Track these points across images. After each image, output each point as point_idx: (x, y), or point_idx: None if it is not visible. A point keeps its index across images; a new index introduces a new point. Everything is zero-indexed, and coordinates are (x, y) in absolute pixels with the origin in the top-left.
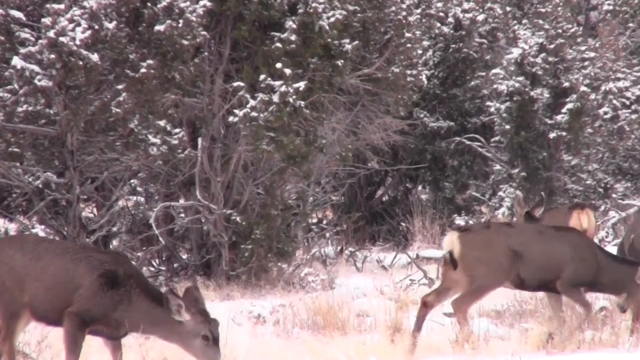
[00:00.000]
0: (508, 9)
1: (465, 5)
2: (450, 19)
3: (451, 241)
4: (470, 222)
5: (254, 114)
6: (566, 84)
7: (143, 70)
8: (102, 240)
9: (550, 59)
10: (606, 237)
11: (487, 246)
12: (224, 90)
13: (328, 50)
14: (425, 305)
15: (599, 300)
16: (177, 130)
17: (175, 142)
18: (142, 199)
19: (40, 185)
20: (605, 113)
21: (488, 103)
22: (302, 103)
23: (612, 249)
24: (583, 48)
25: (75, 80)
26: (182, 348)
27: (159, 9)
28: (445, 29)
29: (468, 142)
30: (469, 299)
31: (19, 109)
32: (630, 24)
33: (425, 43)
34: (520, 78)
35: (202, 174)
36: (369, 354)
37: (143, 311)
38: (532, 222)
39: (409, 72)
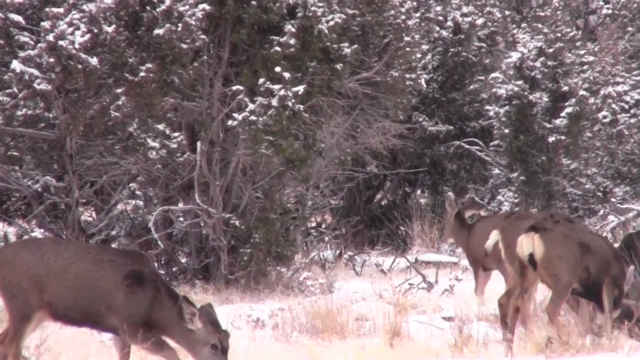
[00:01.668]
0: (507, 12)
1: (465, 9)
2: (450, 23)
3: (531, 243)
4: None
5: (253, 117)
6: (565, 88)
7: (142, 74)
8: (101, 244)
9: (549, 62)
10: None
11: (565, 242)
12: (223, 94)
13: (327, 54)
14: (517, 310)
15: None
16: (176, 134)
17: (174, 145)
18: (141, 203)
19: (40, 189)
20: (604, 117)
21: (487, 107)
22: (301, 107)
23: None
24: (582, 52)
25: (74, 84)
26: (189, 353)
27: (158, 13)
28: (444, 33)
29: (467, 146)
30: (560, 300)
31: (18, 113)
32: (630, 28)
33: (424, 47)
34: (519, 82)
35: (201, 178)
36: (367, 357)
37: (165, 310)
38: (462, 222)
39: (408, 76)
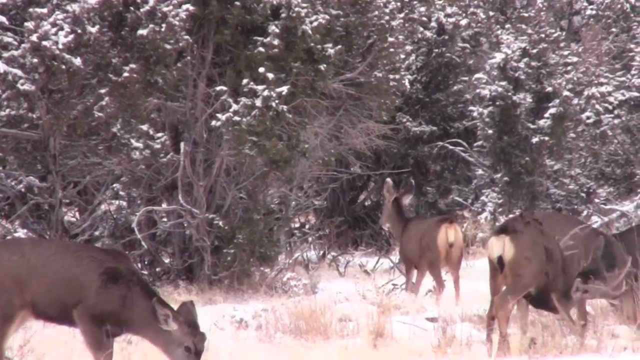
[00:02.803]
0: (491, 13)
1: (449, 10)
2: (434, 24)
3: (501, 245)
4: None
5: (236, 118)
6: (549, 89)
7: (126, 74)
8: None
9: (533, 63)
10: None
11: (534, 245)
12: (207, 94)
13: (311, 55)
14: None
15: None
16: (159, 134)
17: (158, 146)
18: (125, 203)
19: (23, 189)
20: (588, 118)
21: (471, 108)
22: (285, 107)
23: None
24: (566, 53)
25: (58, 85)
26: (163, 353)
27: (142, 13)
28: (428, 34)
29: (451, 147)
30: (512, 297)
31: (2, 113)
32: (613, 29)
33: (408, 47)
34: (503, 83)
35: (185, 178)
36: (351, 358)
37: (141, 310)
38: (399, 211)
39: (391, 76)
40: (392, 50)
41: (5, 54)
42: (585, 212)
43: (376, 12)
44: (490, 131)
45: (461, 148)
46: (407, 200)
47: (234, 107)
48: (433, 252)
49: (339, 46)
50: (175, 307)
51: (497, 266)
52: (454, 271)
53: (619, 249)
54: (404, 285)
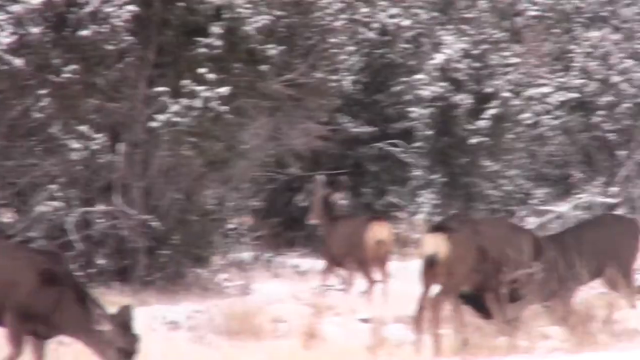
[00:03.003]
0: (433, 14)
1: (391, 11)
2: (376, 25)
3: (436, 242)
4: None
5: (175, 119)
6: (489, 90)
7: (66, 75)
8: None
9: (474, 64)
10: None
11: (468, 244)
12: (147, 95)
13: (252, 56)
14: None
15: None
16: (98, 135)
17: (97, 147)
18: (61, 204)
19: None
20: (527, 119)
21: (410, 108)
22: (225, 108)
23: None
24: (507, 54)
25: None
26: (96, 355)
27: (84, 14)
28: (371, 35)
29: (389, 148)
30: (445, 297)
31: None
32: (555, 30)
33: (350, 48)
34: (444, 84)
35: (122, 180)
36: (283, 359)
37: (74, 312)
38: (329, 206)
39: (332, 77)
40: (333, 51)
41: None
42: (521, 214)
43: (319, 13)
44: (429, 132)
45: (399, 149)
46: (337, 198)
47: (174, 108)
48: (362, 250)
49: (281, 47)
50: (110, 308)
51: (430, 264)
52: (382, 271)
53: (549, 250)
54: (339, 286)
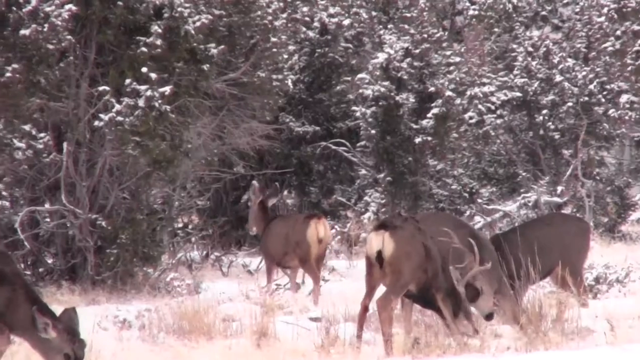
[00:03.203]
0: (374, 13)
1: (331, 10)
2: (316, 24)
3: (380, 240)
4: (336, 226)
5: (119, 118)
6: (432, 89)
7: (8, 74)
8: None
9: (415, 63)
10: None
11: (413, 240)
12: (90, 94)
13: (194, 55)
14: (366, 310)
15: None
16: (42, 134)
17: (41, 146)
18: (7, 204)
19: None
20: (471, 118)
21: (354, 108)
22: (168, 107)
23: None
24: (448, 53)
25: None
26: (42, 357)
27: (24, 13)
28: (311, 34)
29: (334, 147)
30: (393, 297)
31: None
32: (496, 29)
33: (291, 48)
34: (386, 83)
35: (68, 179)
36: (234, 358)
37: (21, 314)
38: (264, 212)
39: (274, 76)
40: (275, 50)
41: None
42: (468, 212)
43: (259, 12)
44: (373, 131)
45: (344, 148)
46: (272, 202)
47: (117, 107)
48: (303, 248)
49: (222, 46)
50: (58, 309)
51: (376, 262)
52: (317, 268)
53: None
54: (288, 285)
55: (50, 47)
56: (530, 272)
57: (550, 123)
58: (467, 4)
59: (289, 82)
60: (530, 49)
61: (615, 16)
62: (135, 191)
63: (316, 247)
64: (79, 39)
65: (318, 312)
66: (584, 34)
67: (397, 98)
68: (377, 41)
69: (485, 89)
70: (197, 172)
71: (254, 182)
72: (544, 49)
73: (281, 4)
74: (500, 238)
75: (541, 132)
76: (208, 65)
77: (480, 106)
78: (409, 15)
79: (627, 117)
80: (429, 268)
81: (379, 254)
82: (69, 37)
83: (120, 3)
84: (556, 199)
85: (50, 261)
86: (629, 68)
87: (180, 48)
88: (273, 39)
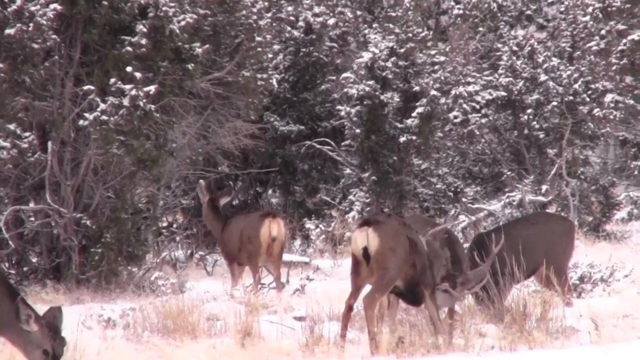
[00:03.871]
0: (359, 13)
1: (316, 9)
2: (301, 23)
3: (365, 237)
4: (321, 226)
5: (104, 117)
6: (416, 88)
7: None
8: None
9: (400, 63)
10: None
11: (398, 236)
12: (75, 93)
13: (178, 54)
14: (351, 309)
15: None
16: (27, 133)
17: (25, 145)
18: None
19: None
20: (455, 117)
21: (338, 107)
22: (153, 107)
23: None
24: (433, 52)
25: None
26: (22, 354)
27: (9, 13)
28: (296, 33)
29: (318, 146)
30: (379, 294)
31: None
32: (480, 28)
33: (276, 47)
34: (371, 82)
35: (52, 178)
36: (219, 357)
37: (3, 310)
38: (215, 211)
39: (259, 76)
40: (259, 49)
41: None
42: (452, 212)
43: (244, 12)
44: (357, 130)
45: (329, 147)
46: (224, 202)
47: (102, 106)
48: (254, 245)
49: (207, 45)
50: (42, 308)
51: (362, 259)
52: (275, 267)
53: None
54: (231, 285)
55: (35, 46)
56: (515, 271)
57: (535, 122)
58: (452, 3)
59: (274, 82)
60: (515, 48)
61: (600, 15)
62: (119, 190)
63: (267, 245)
64: (64, 39)
65: (302, 311)
66: (569, 34)
67: (382, 97)
68: (361, 40)
69: (470, 88)
70: (181, 172)
71: (201, 181)
72: (529, 48)
73: (266, 4)
74: (484, 237)
75: (526, 131)
76: (193, 65)
77: (465, 105)
78: (393, 14)
79: (611, 117)
80: (417, 261)
81: (365, 250)
82: (54, 36)
83: (105, 2)
84: (541, 198)
85: (34, 260)
86: (614, 67)
87: (165, 47)
88: (258, 39)
